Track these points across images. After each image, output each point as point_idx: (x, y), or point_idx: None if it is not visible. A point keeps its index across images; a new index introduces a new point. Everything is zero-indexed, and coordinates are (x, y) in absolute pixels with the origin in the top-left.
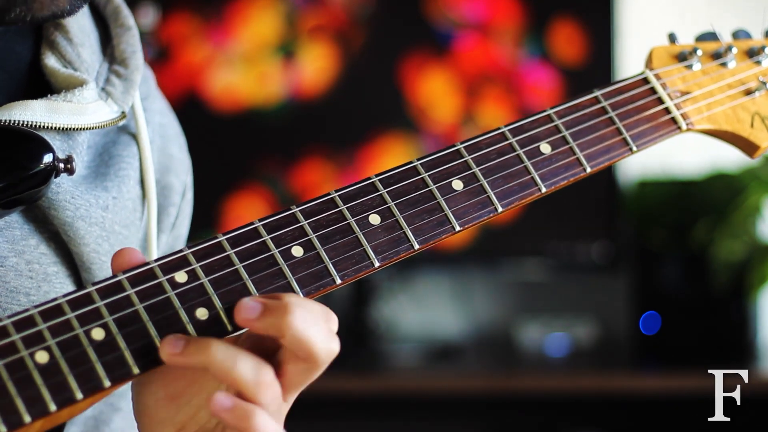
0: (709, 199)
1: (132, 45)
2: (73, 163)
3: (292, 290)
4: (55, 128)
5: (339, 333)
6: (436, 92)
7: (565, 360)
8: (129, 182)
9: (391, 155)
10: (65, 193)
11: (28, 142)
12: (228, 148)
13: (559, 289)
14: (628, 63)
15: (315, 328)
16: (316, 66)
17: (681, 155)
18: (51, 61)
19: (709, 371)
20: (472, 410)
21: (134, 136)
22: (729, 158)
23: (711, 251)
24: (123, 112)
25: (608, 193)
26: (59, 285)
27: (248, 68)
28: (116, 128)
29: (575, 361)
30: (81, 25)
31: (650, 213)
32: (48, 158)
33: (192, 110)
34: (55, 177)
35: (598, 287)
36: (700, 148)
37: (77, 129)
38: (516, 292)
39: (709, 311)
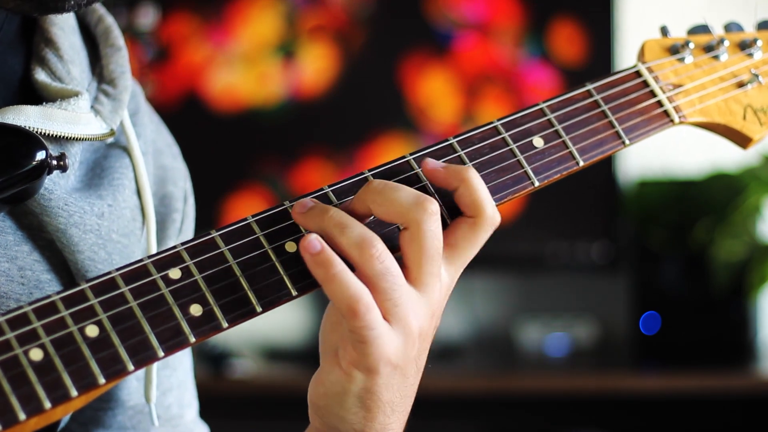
0: (709, 199)
1: (121, 65)
2: (66, 161)
3: (286, 287)
4: (49, 135)
5: None
6: (436, 92)
7: (565, 360)
8: (124, 191)
9: (391, 155)
10: (58, 200)
11: (21, 139)
12: (228, 148)
13: (559, 289)
14: (628, 63)
15: (484, 188)
16: (316, 66)
17: (681, 155)
18: (41, 76)
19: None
20: (472, 410)
21: (125, 149)
22: (729, 158)
23: (711, 251)
24: (112, 129)
25: (608, 193)
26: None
27: (248, 68)
28: (106, 144)
29: (575, 361)
30: (71, 42)
31: (650, 213)
32: (41, 155)
33: (192, 110)
34: (48, 174)
35: (598, 287)
36: (700, 148)
37: (70, 139)
38: (516, 292)
39: (709, 311)
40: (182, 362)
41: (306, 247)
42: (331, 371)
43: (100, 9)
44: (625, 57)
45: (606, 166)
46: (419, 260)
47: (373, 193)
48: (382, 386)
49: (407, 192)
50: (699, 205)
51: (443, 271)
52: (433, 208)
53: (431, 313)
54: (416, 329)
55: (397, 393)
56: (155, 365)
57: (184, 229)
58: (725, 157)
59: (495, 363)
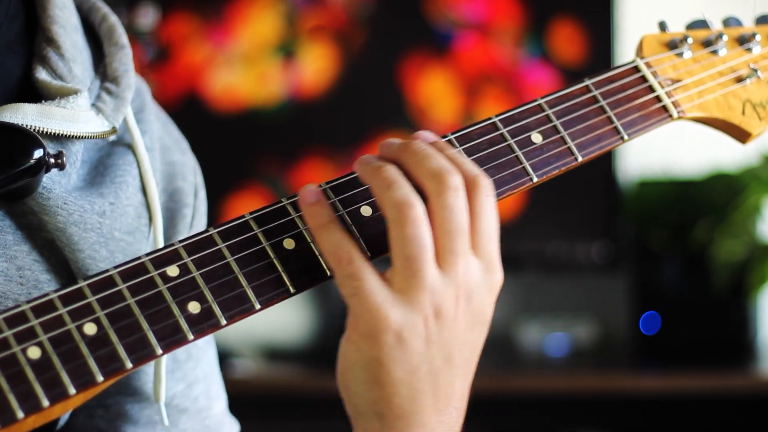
0: (709, 199)
1: (125, 64)
2: (64, 159)
3: (284, 284)
4: (48, 134)
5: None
6: (436, 92)
7: (565, 360)
8: (127, 189)
9: None
10: (57, 199)
11: (18, 137)
12: (228, 148)
13: (559, 289)
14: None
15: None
16: (316, 66)
17: (681, 155)
18: (42, 74)
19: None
20: (472, 410)
21: (129, 147)
22: (729, 158)
23: (711, 251)
24: (113, 127)
25: (608, 193)
26: None
27: (248, 68)
28: (109, 143)
29: (575, 361)
30: (74, 41)
31: (650, 213)
32: (38, 153)
33: (192, 110)
34: (46, 171)
35: (598, 287)
36: (700, 148)
37: (69, 137)
38: (516, 292)
39: (709, 311)
40: (206, 353)
41: (303, 198)
42: (341, 346)
43: (104, 8)
44: (625, 57)
45: (606, 165)
46: (438, 235)
47: (408, 153)
48: (389, 358)
49: (434, 161)
50: (699, 205)
51: (434, 269)
52: (453, 182)
53: (454, 296)
54: (429, 306)
55: (413, 376)
56: (164, 366)
57: (195, 224)
58: (725, 157)
59: (495, 363)
